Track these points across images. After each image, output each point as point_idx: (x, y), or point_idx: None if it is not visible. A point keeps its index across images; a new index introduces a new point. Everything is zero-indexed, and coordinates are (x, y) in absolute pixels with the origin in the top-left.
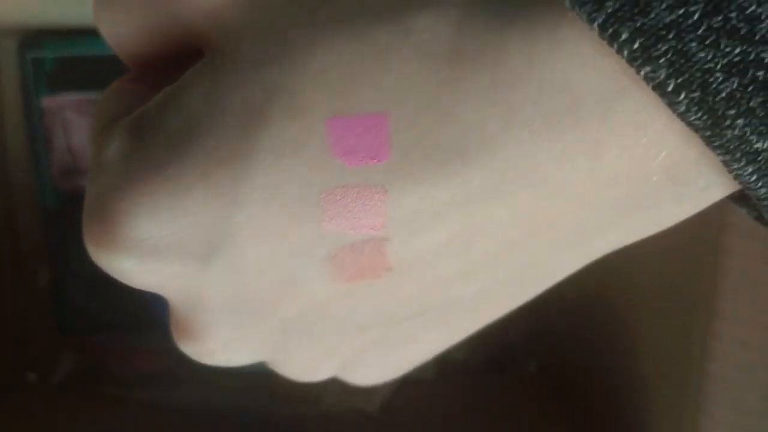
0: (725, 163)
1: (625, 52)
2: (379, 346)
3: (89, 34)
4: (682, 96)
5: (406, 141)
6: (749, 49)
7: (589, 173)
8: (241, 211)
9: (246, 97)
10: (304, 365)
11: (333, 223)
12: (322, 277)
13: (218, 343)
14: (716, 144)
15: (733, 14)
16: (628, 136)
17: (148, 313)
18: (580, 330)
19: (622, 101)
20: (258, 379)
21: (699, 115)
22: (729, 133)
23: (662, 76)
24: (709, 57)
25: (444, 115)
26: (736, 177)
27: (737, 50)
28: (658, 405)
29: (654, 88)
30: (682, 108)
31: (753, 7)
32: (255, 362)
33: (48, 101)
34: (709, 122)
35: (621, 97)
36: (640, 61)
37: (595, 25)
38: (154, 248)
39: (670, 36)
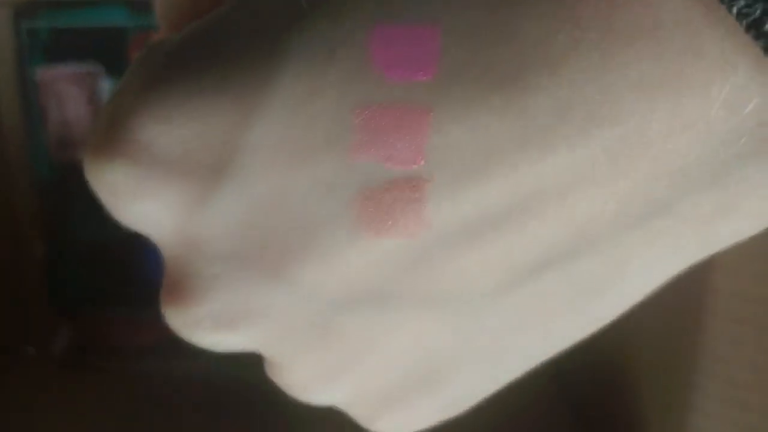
0: None
1: None
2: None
3: (85, 4)
4: None
5: (456, 57)
6: None
7: (670, 115)
8: (260, 124)
9: (280, 1)
10: (308, 371)
11: (365, 150)
12: (348, 225)
13: (210, 310)
14: None
15: None
16: (715, 72)
17: (145, 285)
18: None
19: (711, 31)
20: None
21: None
22: None
23: (758, 13)
24: None
25: (501, 30)
26: None
27: None
28: (651, 378)
29: (748, 28)
30: None
31: None
32: (248, 351)
33: (43, 72)
34: None
35: (710, 26)
36: None
37: None
38: (156, 156)
39: None
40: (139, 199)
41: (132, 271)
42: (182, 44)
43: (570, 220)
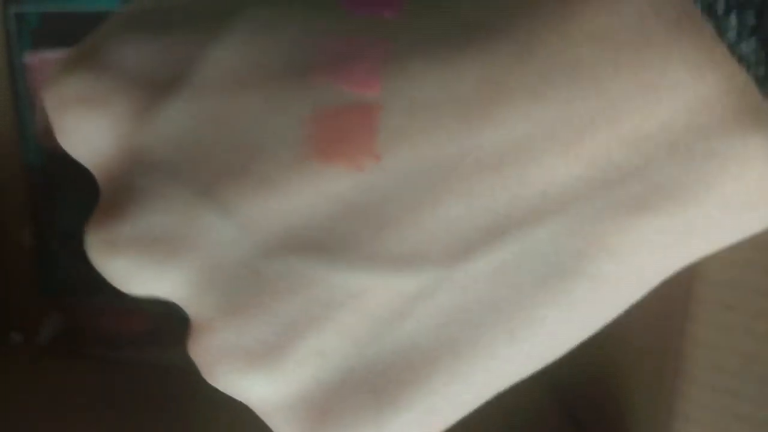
0: None
1: None
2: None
3: None
4: (733, 21)
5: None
6: None
7: (632, 74)
8: (221, 42)
9: None
10: (229, 338)
11: (323, 73)
12: (296, 147)
13: (131, 229)
14: None
15: None
16: (677, 33)
17: None
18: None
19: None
20: None
21: (753, 45)
22: None
23: None
24: None
25: None
26: None
27: None
28: (639, 366)
29: (703, 10)
30: (733, 35)
31: None
32: (172, 297)
33: (31, 58)
34: (764, 54)
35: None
36: None
37: None
38: (111, 64)
39: None
40: (87, 108)
41: None
42: None
43: (529, 179)
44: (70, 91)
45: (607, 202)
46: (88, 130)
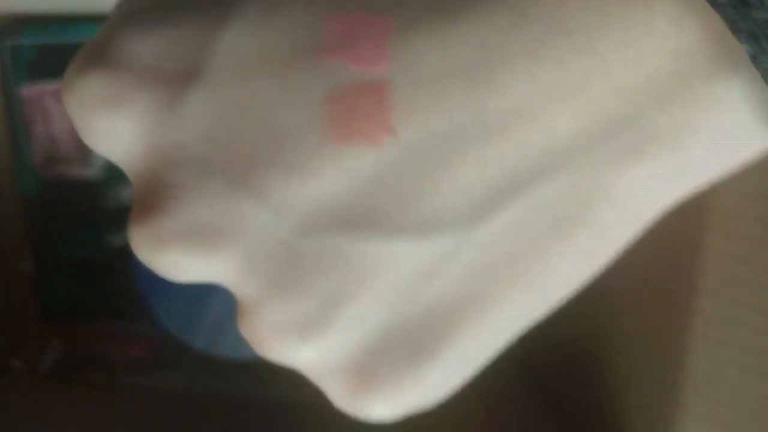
0: (752, 58)
1: None
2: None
3: (69, 21)
4: None
5: None
6: None
7: (622, 28)
8: (230, 32)
9: None
10: (277, 315)
11: (332, 52)
12: (316, 130)
13: (175, 224)
14: (743, 30)
15: None
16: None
17: (132, 300)
18: (561, 323)
19: None
20: (246, 364)
21: None
22: (760, 15)
23: None
24: None
25: None
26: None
27: None
28: (636, 395)
29: None
30: None
31: None
32: (221, 281)
33: (27, 90)
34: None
35: None
36: None
37: None
38: (128, 63)
39: None
40: (109, 109)
41: (120, 285)
42: None
43: (533, 138)
44: (90, 93)
45: (605, 154)
46: (113, 131)
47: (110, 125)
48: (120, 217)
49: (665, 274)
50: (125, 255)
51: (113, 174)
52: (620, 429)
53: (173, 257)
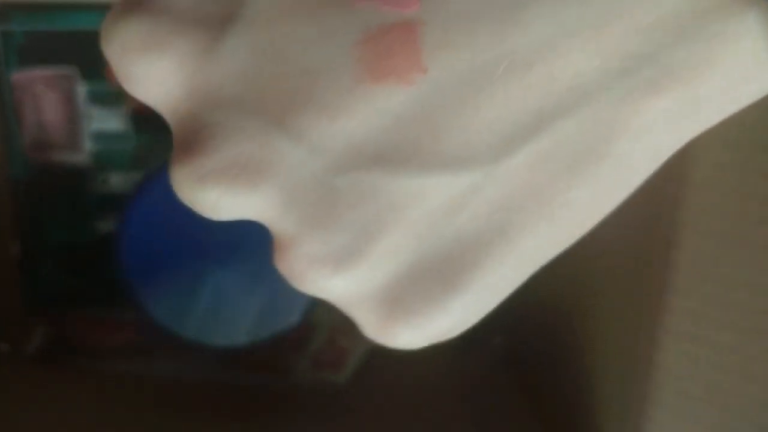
0: None
1: None
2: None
3: (59, 8)
4: None
5: None
6: None
7: None
8: None
9: None
10: (313, 248)
11: None
12: (350, 71)
13: (215, 161)
14: None
15: None
16: None
17: (118, 286)
18: (540, 317)
19: None
20: (229, 351)
21: None
22: None
23: None
24: None
25: None
26: None
27: None
28: (608, 392)
29: None
30: None
31: None
32: (259, 218)
33: (18, 75)
34: None
35: None
36: None
37: None
38: (167, 8)
39: None
40: (150, 54)
41: (106, 271)
42: None
43: (557, 75)
44: (131, 39)
45: (625, 89)
46: (153, 76)
47: (151, 70)
48: (107, 204)
49: (638, 269)
50: (112, 242)
51: (101, 160)
52: (593, 423)
53: (215, 194)
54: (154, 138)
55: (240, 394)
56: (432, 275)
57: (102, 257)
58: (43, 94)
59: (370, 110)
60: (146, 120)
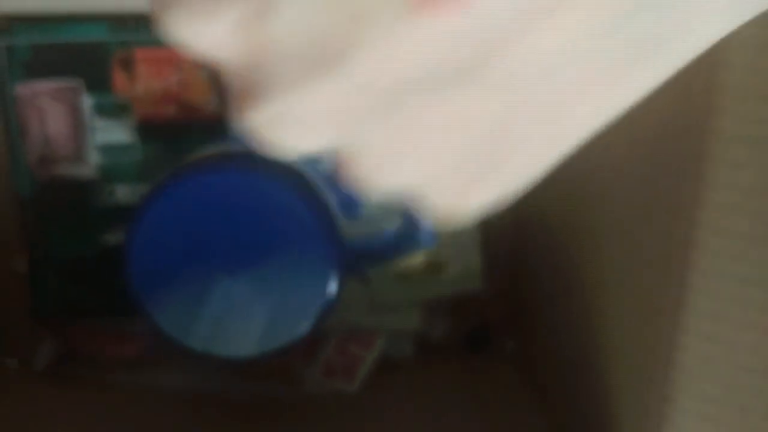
0: None
1: None
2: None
3: (65, 20)
4: None
5: None
6: None
7: None
8: None
9: None
10: (379, 153)
11: None
12: (402, 9)
13: (283, 107)
14: None
15: None
16: None
17: (126, 298)
18: (554, 317)
19: None
20: (239, 362)
21: None
22: None
23: None
24: None
25: None
26: None
27: None
28: (626, 391)
29: None
30: None
31: None
32: (328, 151)
33: (22, 88)
34: None
35: None
36: None
37: None
38: None
39: None
40: (209, 16)
41: (114, 283)
42: None
43: None
44: (189, 3)
45: None
46: (212, 36)
47: (209, 31)
48: (114, 216)
49: (656, 270)
50: (120, 254)
51: (107, 173)
52: (610, 425)
53: (289, 135)
54: (160, 149)
55: (250, 405)
56: (486, 155)
57: (109, 269)
58: (48, 107)
59: (421, 42)
60: (152, 131)
